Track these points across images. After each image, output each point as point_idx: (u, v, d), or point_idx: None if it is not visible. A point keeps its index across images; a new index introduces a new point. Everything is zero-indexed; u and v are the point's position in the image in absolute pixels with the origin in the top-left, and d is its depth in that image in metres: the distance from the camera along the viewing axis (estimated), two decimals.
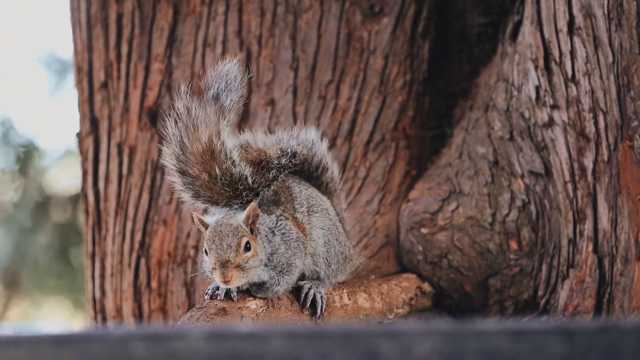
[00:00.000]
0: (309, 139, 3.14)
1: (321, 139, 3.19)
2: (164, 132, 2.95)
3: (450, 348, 1.57)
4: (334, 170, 3.25)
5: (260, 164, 3.01)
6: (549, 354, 1.55)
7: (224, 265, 2.69)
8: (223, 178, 2.93)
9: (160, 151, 3.83)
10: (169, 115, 2.93)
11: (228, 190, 2.95)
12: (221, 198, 2.96)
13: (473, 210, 3.56)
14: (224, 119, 2.93)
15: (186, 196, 3.00)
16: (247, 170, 2.95)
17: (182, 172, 2.96)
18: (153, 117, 3.89)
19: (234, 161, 2.94)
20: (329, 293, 3.04)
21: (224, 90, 2.94)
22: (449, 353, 1.57)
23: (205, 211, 3.01)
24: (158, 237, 3.84)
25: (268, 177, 2.99)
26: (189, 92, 2.91)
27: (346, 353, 1.60)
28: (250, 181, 2.95)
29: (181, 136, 2.93)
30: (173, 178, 2.99)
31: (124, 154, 3.91)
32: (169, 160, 2.97)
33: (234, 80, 2.96)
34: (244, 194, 2.95)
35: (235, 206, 2.95)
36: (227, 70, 2.96)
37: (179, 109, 2.92)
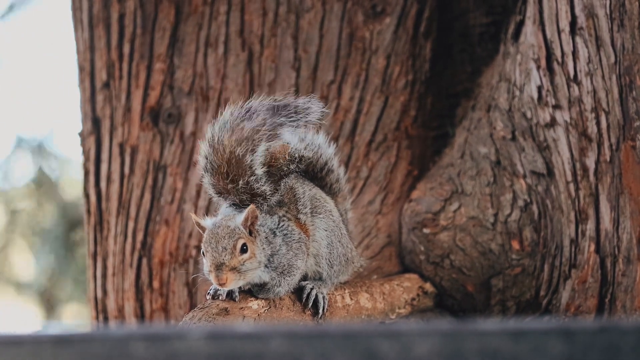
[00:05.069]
0: (315, 142, 3.14)
1: (329, 143, 3.19)
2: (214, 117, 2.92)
3: (450, 348, 1.57)
4: (339, 172, 3.25)
5: (270, 170, 2.98)
6: (549, 354, 1.55)
7: (218, 267, 2.69)
8: (243, 189, 2.91)
9: (162, 150, 3.84)
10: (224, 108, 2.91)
11: (245, 194, 2.93)
12: (233, 196, 2.93)
13: (475, 210, 3.56)
14: (267, 138, 2.91)
15: (206, 180, 2.95)
16: (268, 188, 2.93)
17: (210, 161, 2.92)
18: (155, 116, 3.89)
19: (257, 177, 2.91)
20: (330, 293, 3.04)
21: (290, 117, 2.92)
22: (449, 353, 1.57)
23: (207, 211, 3.00)
24: (160, 236, 3.84)
25: (279, 185, 2.98)
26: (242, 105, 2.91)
27: (346, 353, 1.60)
28: (269, 195, 2.94)
29: (219, 134, 2.89)
30: (200, 159, 2.94)
31: (126, 154, 3.91)
32: (203, 145, 2.92)
33: (306, 116, 2.95)
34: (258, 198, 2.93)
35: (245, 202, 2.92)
36: (308, 104, 2.95)
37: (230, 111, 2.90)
